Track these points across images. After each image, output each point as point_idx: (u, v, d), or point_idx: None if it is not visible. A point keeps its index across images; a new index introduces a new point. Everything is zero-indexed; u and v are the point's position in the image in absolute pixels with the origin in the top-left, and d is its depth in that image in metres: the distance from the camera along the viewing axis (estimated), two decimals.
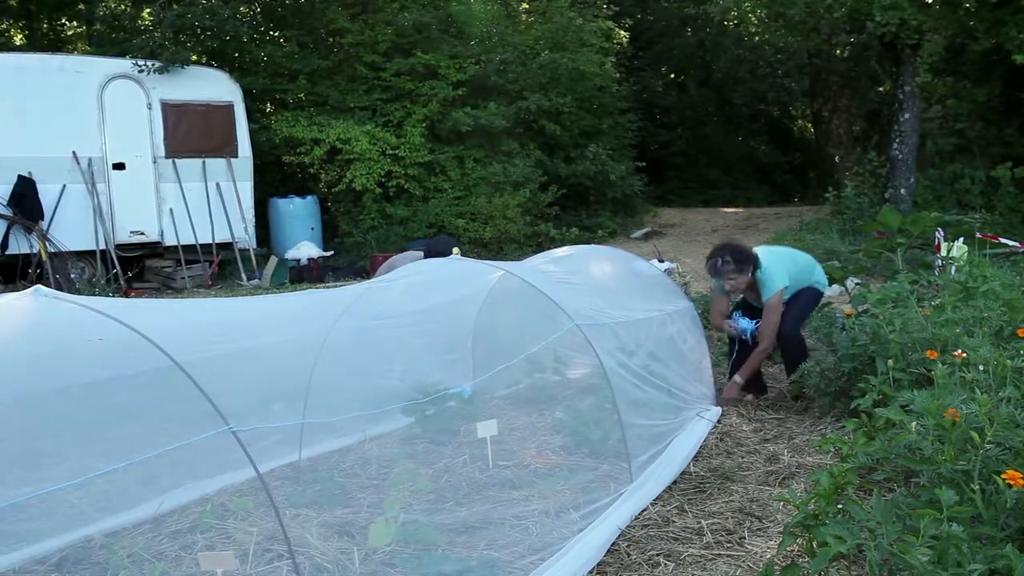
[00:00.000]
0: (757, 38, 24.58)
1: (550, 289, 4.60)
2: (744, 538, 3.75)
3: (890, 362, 4.22)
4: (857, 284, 6.33)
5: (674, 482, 4.41)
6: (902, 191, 15.75)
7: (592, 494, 4.01)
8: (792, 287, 5.97)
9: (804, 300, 6.09)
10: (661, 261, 10.09)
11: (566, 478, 4.21)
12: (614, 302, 5.14)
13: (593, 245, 9.87)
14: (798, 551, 3.37)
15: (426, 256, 6.28)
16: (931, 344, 4.23)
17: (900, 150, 15.87)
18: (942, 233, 8.20)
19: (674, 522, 3.95)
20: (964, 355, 3.60)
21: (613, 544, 3.69)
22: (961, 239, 7.71)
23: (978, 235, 7.95)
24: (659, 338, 5.34)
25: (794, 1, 16.18)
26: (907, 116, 15.83)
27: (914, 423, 3.26)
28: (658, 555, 3.61)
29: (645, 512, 4.04)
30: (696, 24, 25.31)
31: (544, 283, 4.69)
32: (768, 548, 3.62)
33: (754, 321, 5.98)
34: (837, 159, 20.24)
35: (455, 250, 6.33)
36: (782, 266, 5.87)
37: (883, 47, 16.29)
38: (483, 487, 4.20)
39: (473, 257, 5.11)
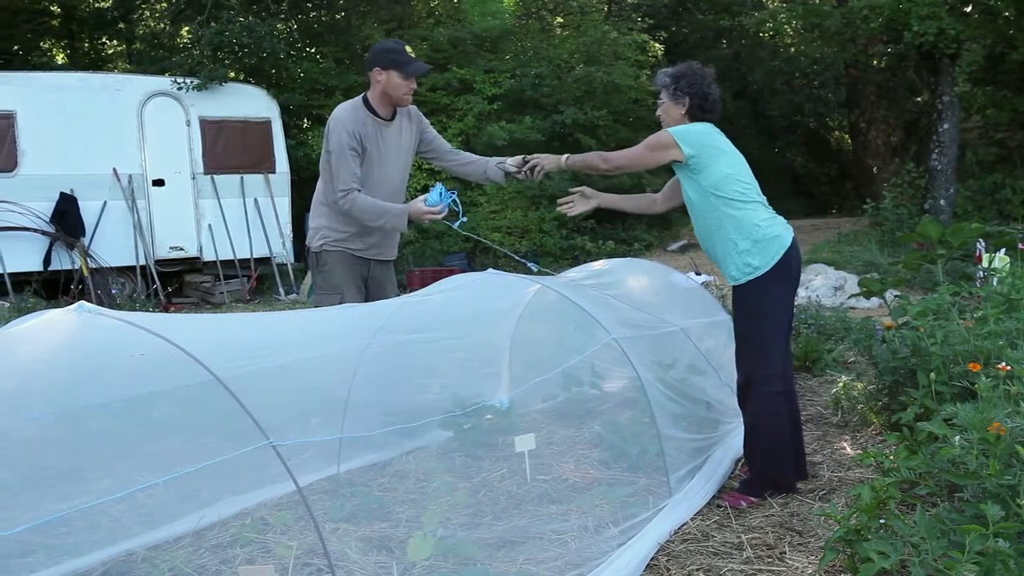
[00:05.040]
0: (793, 49, 24.48)
1: (587, 302, 4.60)
2: (785, 553, 3.71)
3: (932, 375, 4.17)
4: (897, 296, 6.25)
5: (713, 496, 4.39)
6: (942, 202, 15.60)
7: (631, 509, 3.99)
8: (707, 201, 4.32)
9: (760, 306, 4.31)
10: (698, 274, 10.05)
11: (604, 492, 4.19)
12: (651, 315, 5.13)
13: (629, 258, 9.87)
14: (840, 566, 3.34)
15: None
16: (974, 357, 4.17)
17: (939, 160, 15.74)
18: (983, 244, 8.10)
19: (714, 537, 3.92)
20: (1008, 368, 3.55)
21: (652, 559, 3.67)
22: (1003, 250, 7.61)
23: (1020, 246, 7.84)
24: (697, 351, 5.31)
25: (830, 12, 16.16)
26: (946, 126, 15.69)
27: (958, 437, 3.22)
28: (698, 570, 3.59)
29: (684, 527, 4.02)
30: (731, 36, 25.25)
31: (581, 296, 4.68)
32: (809, 563, 3.58)
33: (451, 193, 4.90)
34: (875, 170, 20.06)
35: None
36: (696, 133, 4.33)
37: (921, 57, 16.17)
38: (521, 501, 4.19)
39: (509, 271, 5.10)
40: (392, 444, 4.81)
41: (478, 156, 5.45)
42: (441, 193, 4.90)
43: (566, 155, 4.72)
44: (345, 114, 4.98)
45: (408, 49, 4.98)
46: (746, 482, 4.40)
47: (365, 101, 5.03)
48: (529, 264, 5.88)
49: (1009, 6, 14.04)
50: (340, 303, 4.91)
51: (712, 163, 4.30)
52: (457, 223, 5.07)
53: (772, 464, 4.36)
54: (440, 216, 4.92)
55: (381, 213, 4.92)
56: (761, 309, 4.32)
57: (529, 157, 4.94)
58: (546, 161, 4.82)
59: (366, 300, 5.09)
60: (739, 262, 4.30)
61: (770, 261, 4.28)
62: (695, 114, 4.41)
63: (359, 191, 4.88)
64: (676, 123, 4.42)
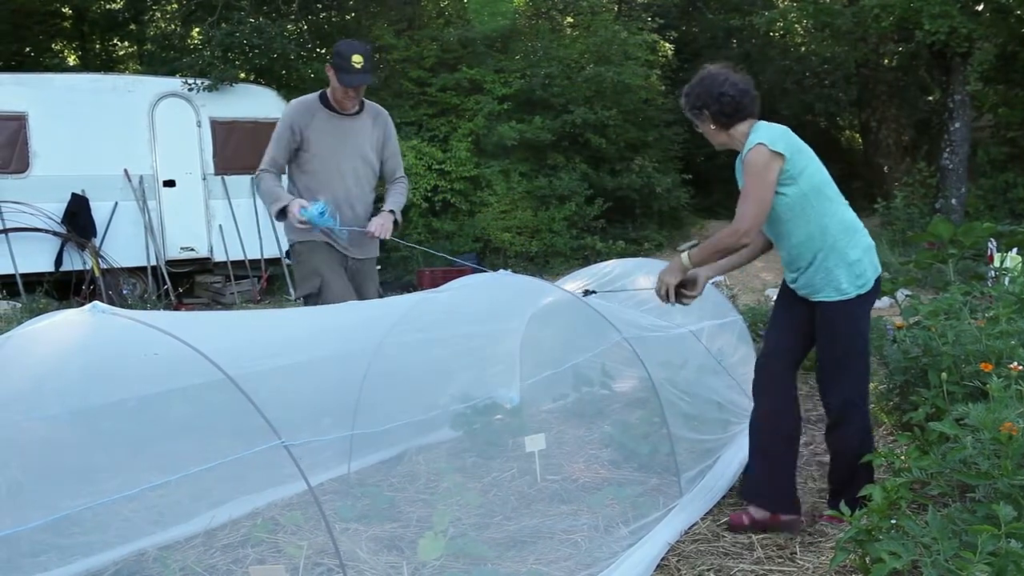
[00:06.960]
0: (804, 48, 24.38)
1: (598, 303, 4.60)
2: (795, 553, 3.71)
3: (943, 375, 4.15)
4: (908, 296, 6.23)
5: (724, 496, 4.38)
6: (953, 201, 15.54)
7: (641, 509, 3.99)
8: (797, 220, 3.89)
9: (866, 322, 3.91)
10: None
11: (615, 492, 4.19)
12: (662, 315, 5.12)
13: (640, 258, 9.86)
14: (851, 567, 3.33)
15: None
16: (985, 356, 4.16)
17: (951, 160, 15.67)
18: (995, 243, 8.08)
19: (724, 537, 3.92)
20: (1020, 368, 3.54)
21: (663, 559, 3.67)
22: (1015, 249, 7.59)
23: None
24: (707, 351, 5.30)
25: (841, 11, 16.09)
26: (957, 125, 15.63)
27: (969, 437, 3.21)
28: (708, 570, 3.59)
29: (695, 527, 4.02)
30: (741, 35, 25.12)
31: (592, 297, 4.68)
32: (820, 564, 3.58)
33: (328, 218, 4.85)
34: (886, 169, 19.98)
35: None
36: (781, 133, 3.88)
37: (932, 56, 16.11)
38: (532, 501, 4.19)
39: (519, 271, 5.10)
40: (402, 444, 4.82)
41: (392, 199, 5.58)
42: (322, 212, 4.86)
43: (686, 255, 4.04)
44: (293, 105, 5.13)
45: (356, 58, 4.87)
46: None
47: (323, 95, 5.12)
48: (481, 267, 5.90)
49: (1021, 5, 13.99)
50: (321, 286, 5.00)
51: (808, 162, 3.88)
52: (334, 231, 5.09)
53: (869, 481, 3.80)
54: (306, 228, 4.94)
55: (274, 200, 4.97)
56: (866, 325, 3.95)
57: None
58: (670, 278, 4.05)
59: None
60: (851, 275, 3.84)
61: (876, 271, 3.94)
62: (721, 121, 3.94)
63: (273, 174, 5.04)
64: (714, 137, 4.04)
